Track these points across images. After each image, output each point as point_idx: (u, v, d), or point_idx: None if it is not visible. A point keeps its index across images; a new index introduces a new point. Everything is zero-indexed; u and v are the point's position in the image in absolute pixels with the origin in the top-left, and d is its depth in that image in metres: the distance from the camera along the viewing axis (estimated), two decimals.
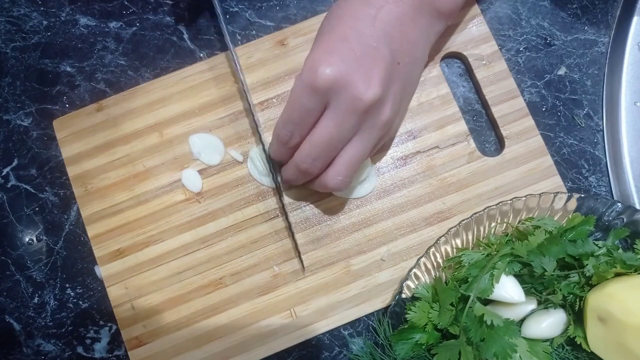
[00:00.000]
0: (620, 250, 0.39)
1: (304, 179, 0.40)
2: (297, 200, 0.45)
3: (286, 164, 0.40)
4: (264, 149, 0.44)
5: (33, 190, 0.46)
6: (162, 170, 0.45)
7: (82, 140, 0.45)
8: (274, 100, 0.46)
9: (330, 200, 0.45)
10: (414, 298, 0.40)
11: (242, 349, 0.43)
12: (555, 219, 0.41)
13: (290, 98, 0.36)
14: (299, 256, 0.43)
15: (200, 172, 0.45)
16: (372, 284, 0.43)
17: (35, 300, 0.45)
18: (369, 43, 0.35)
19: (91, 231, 0.44)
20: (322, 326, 0.43)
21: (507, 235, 0.41)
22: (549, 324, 0.39)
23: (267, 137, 0.45)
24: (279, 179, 0.43)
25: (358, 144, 0.37)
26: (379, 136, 0.38)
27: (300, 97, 0.36)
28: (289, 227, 0.43)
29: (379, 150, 0.45)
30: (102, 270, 0.44)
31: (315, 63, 0.35)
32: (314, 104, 0.35)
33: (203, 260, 0.44)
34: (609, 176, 0.45)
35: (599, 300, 0.37)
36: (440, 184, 0.44)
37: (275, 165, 0.43)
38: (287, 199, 0.45)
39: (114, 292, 0.44)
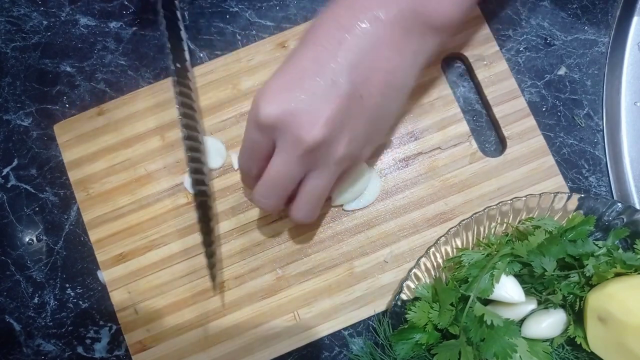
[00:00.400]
0: (620, 250, 0.39)
1: (270, 211, 0.39)
2: None
3: None
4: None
5: (33, 190, 0.46)
6: (164, 174, 0.45)
7: (84, 145, 0.45)
8: None
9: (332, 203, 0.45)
10: (414, 298, 0.40)
11: (246, 352, 0.43)
12: (555, 219, 0.41)
13: (244, 132, 0.36)
14: (212, 273, 0.42)
15: None
16: (375, 285, 0.43)
17: (35, 300, 0.45)
18: (327, 78, 0.33)
19: (93, 236, 0.44)
20: (326, 328, 0.43)
21: (507, 235, 0.41)
22: (549, 324, 0.39)
23: None
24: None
25: (315, 179, 0.36)
26: (337, 171, 0.36)
27: (248, 130, 0.35)
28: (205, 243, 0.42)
29: (378, 153, 0.45)
30: (104, 275, 0.44)
31: (261, 98, 0.33)
32: (261, 139, 0.34)
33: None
34: (609, 176, 0.45)
35: (599, 300, 0.37)
36: (442, 185, 0.44)
37: None
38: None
39: (117, 297, 0.44)
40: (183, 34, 0.43)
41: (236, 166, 0.45)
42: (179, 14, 0.43)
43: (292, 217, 0.38)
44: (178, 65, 0.41)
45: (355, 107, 0.34)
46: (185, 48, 0.44)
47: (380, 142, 0.41)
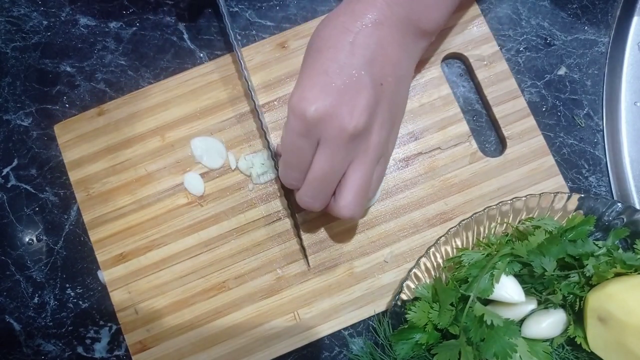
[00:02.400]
0: (620, 250, 0.39)
1: (313, 210, 0.40)
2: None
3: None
4: (269, 147, 0.43)
5: (33, 190, 0.46)
6: (164, 174, 0.45)
7: (84, 145, 0.45)
8: (275, 102, 0.46)
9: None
10: (414, 298, 0.40)
11: (246, 352, 0.43)
12: (555, 219, 0.41)
13: (284, 142, 0.37)
14: (305, 255, 0.43)
15: (202, 175, 0.45)
16: (376, 286, 0.43)
17: (35, 300, 0.45)
18: (350, 72, 0.36)
19: (94, 236, 0.44)
20: (326, 328, 0.43)
21: (507, 235, 0.41)
22: (549, 324, 0.39)
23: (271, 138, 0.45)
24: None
25: (358, 170, 0.37)
26: (375, 158, 0.38)
27: (293, 141, 0.36)
28: (296, 226, 0.43)
29: None
30: (105, 275, 0.44)
31: (298, 102, 0.35)
32: (308, 144, 0.36)
33: (206, 264, 0.44)
34: (609, 176, 0.45)
35: (599, 300, 0.37)
36: (442, 185, 0.44)
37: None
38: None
39: (117, 297, 0.44)
40: (228, 24, 0.44)
41: (234, 166, 0.45)
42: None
43: (339, 214, 0.38)
44: (236, 41, 0.44)
45: (379, 95, 0.37)
46: (233, 41, 0.44)
47: (397, 133, 0.43)
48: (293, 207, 0.43)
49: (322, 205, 0.39)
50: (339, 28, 0.37)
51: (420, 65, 0.45)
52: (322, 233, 0.44)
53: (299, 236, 0.43)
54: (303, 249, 0.43)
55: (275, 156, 0.43)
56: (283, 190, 0.44)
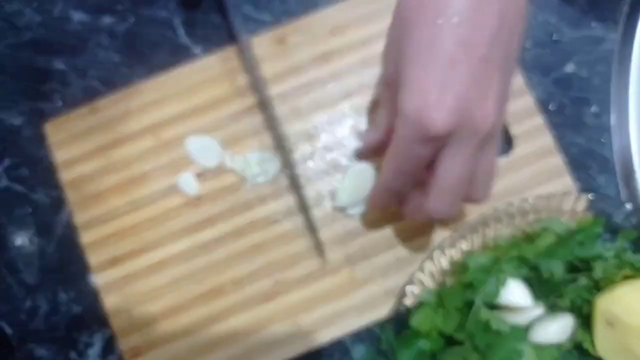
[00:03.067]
0: (629, 253, 0.38)
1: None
2: (300, 204, 0.44)
3: (408, 207, 0.37)
4: (282, 144, 0.42)
5: (25, 191, 0.45)
6: (159, 174, 0.44)
7: (76, 144, 0.44)
8: (273, 99, 0.45)
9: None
10: (418, 303, 0.39)
11: (244, 359, 0.42)
12: (563, 220, 0.40)
13: (399, 147, 0.32)
14: (322, 249, 0.42)
15: (197, 175, 0.44)
16: (378, 290, 0.43)
17: (28, 303, 0.44)
18: (478, 53, 0.29)
19: (86, 238, 0.44)
20: (327, 334, 0.42)
21: (514, 238, 0.40)
22: (557, 328, 0.38)
23: (266, 138, 0.45)
24: (296, 172, 0.42)
25: (486, 161, 0.33)
26: (500, 137, 0.34)
27: (412, 149, 0.31)
28: (309, 223, 0.42)
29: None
30: (98, 278, 0.43)
31: (422, 108, 0.29)
32: (429, 151, 0.31)
33: (202, 268, 0.43)
34: (617, 176, 0.45)
35: (606, 303, 0.37)
36: None
37: (289, 158, 0.41)
38: (288, 204, 0.44)
39: (110, 301, 0.43)
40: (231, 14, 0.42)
41: (229, 165, 0.44)
42: None
43: (437, 213, 0.34)
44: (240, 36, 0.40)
45: (507, 73, 0.31)
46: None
47: None
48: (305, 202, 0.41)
49: (458, 211, 0.35)
50: None
51: None
52: (322, 236, 0.43)
53: (313, 232, 0.41)
54: (320, 243, 0.41)
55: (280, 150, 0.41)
56: (294, 183, 0.42)
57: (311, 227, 0.42)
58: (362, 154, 0.42)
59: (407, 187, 0.35)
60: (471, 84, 0.29)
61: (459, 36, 0.29)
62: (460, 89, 0.29)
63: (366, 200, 0.42)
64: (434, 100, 0.29)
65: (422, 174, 0.34)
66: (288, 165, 0.43)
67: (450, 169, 0.31)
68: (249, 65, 0.42)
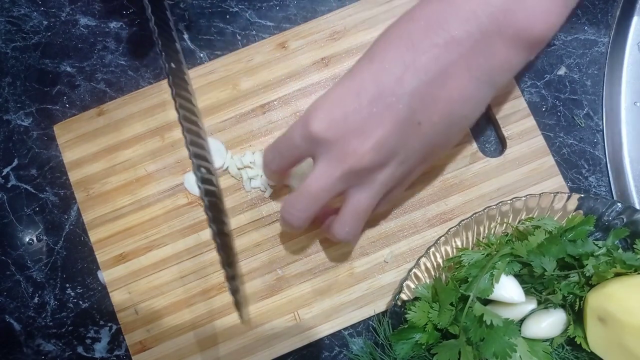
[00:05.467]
0: (620, 250, 0.39)
1: (290, 229, 0.38)
2: None
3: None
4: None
5: (33, 190, 0.46)
6: (164, 174, 0.45)
7: (84, 145, 0.45)
8: (275, 102, 0.46)
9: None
10: (414, 298, 0.39)
11: (246, 353, 0.43)
12: (555, 219, 0.41)
13: (288, 129, 0.35)
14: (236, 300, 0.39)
15: None
16: (376, 286, 0.43)
17: (36, 300, 0.45)
18: (385, 101, 0.31)
19: (93, 236, 0.44)
20: (326, 328, 0.43)
21: (507, 235, 0.40)
22: (549, 323, 0.39)
23: (269, 140, 0.45)
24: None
25: (360, 195, 0.35)
26: (382, 191, 0.35)
27: (292, 133, 0.34)
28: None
29: None
30: (105, 275, 0.44)
31: (315, 111, 0.33)
32: (302, 145, 0.34)
33: (206, 264, 0.44)
34: (608, 176, 0.45)
35: (598, 300, 0.37)
36: (442, 185, 0.44)
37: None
38: None
39: (117, 297, 0.43)
40: (174, 35, 0.41)
41: (233, 172, 0.45)
42: (169, 14, 0.41)
43: (334, 235, 0.37)
44: (173, 65, 0.39)
45: (412, 133, 0.33)
46: (179, 49, 0.42)
47: (430, 163, 0.39)
48: None
49: (306, 221, 0.36)
50: (405, 40, 0.31)
51: None
52: (322, 234, 0.44)
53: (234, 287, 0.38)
54: (236, 300, 0.37)
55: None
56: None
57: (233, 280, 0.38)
58: None
59: (273, 165, 0.37)
60: (364, 118, 0.32)
61: (377, 80, 0.32)
62: (352, 114, 0.32)
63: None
64: (326, 109, 0.33)
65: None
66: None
67: (314, 176, 0.34)
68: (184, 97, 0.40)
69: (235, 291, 0.36)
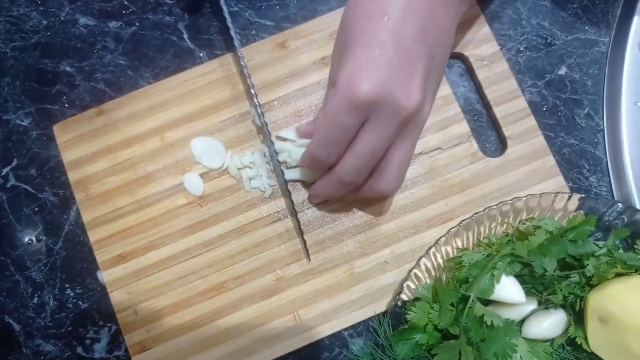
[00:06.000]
0: (621, 251, 0.39)
1: (345, 191, 0.39)
2: (300, 203, 0.45)
3: (320, 179, 0.41)
4: (274, 151, 0.42)
5: (32, 190, 0.46)
6: (164, 174, 0.45)
7: (83, 145, 0.45)
8: (275, 102, 0.46)
9: (332, 203, 0.44)
10: (414, 298, 0.40)
11: (246, 353, 0.43)
12: (555, 219, 0.41)
13: (327, 117, 0.35)
14: (306, 249, 0.43)
15: (201, 175, 0.45)
16: (376, 286, 0.43)
17: (35, 300, 0.44)
18: (404, 44, 0.34)
19: (93, 236, 0.44)
20: (326, 329, 0.43)
21: (507, 236, 0.41)
22: (550, 324, 0.39)
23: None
24: (286, 177, 0.43)
25: (405, 147, 0.36)
26: (420, 132, 0.38)
27: (339, 116, 0.34)
28: (298, 227, 0.43)
29: None
30: (104, 276, 0.44)
31: (352, 79, 0.33)
32: (355, 121, 0.34)
33: (206, 264, 0.44)
34: (609, 176, 0.45)
35: (599, 300, 0.37)
36: (443, 185, 0.44)
37: (278, 167, 0.43)
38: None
39: (117, 297, 0.43)
40: (229, 22, 0.43)
41: (232, 172, 0.45)
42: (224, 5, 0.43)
43: (381, 191, 0.38)
44: (235, 44, 0.42)
45: (431, 68, 0.35)
46: (234, 36, 0.43)
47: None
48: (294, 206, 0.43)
49: (362, 179, 0.38)
50: None
51: None
52: (322, 234, 0.44)
53: (300, 230, 0.42)
54: (304, 241, 0.43)
55: (275, 154, 0.42)
56: (283, 189, 0.44)
57: (299, 230, 0.43)
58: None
59: (332, 158, 0.37)
60: (396, 66, 0.33)
61: (387, 30, 0.34)
62: (386, 68, 0.33)
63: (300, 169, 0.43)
64: (363, 74, 0.33)
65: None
66: (277, 171, 0.44)
67: (366, 138, 0.35)
68: (243, 75, 0.43)
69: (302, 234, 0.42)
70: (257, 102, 0.42)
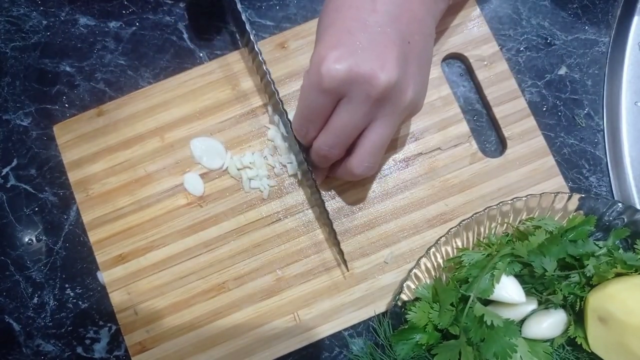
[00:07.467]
0: (621, 251, 0.39)
1: (326, 163, 0.40)
2: (300, 203, 0.45)
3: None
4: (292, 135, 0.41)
5: (32, 190, 0.46)
6: (164, 175, 0.45)
7: (83, 146, 0.45)
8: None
9: (332, 203, 0.45)
10: (414, 298, 0.40)
11: (246, 353, 0.43)
12: (555, 219, 0.41)
13: (301, 96, 0.36)
14: (344, 259, 0.43)
15: (201, 176, 0.45)
16: (376, 286, 0.43)
17: (35, 300, 0.45)
18: (375, 30, 0.34)
19: (93, 237, 0.44)
20: (326, 329, 0.43)
21: (507, 236, 0.41)
22: (550, 324, 0.39)
23: (269, 140, 0.45)
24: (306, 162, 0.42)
25: (379, 129, 0.36)
26: (401, 118, 0.37)
27: (309, 96, 0.35)
28: (327, 216, 0.42)
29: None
30: (104, 276, 0.44)
31: (321, 60, 0.34)
32: (325, 101, 0.35)
33: (206, 265, 0.44)
34: (609, 176, 0.45)
35: (599, 300, 0.37)
36: (442, 185, 0.44)
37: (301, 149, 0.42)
38: (289, 203, 0.45)
39: (117, 298, 0.44)
40: (245, 17, 0.42)
41: (232, 173, 0.45)
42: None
43: (352, 171, 0.38)
44: (252, 37, 0.42)
45: (407, 52, 0.35)
46: (249, 30, 0.42)
47: (425, 93, 0.40)
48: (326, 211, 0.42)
49: (338, 156, 0.38)
50: None
51: None
52: (321, 234, 0.44)
53: (332, 227, 0.41)
54: (341, 252, 0.42)
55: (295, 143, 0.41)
56: (303, 168, 0.42)
57: (328, 220, 0.42)
58: None
59: (310, 134, 0.38)
60: (365, 47, 0.34)
61: (355, 18, 0.35)
62: (354, 48, 0.34)
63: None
64: (330, 55, 0.34)
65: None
66: (300, 163, 0.43)
67: (339, 115, 0.36)
68: (260, 68, 0.43)
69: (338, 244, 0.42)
70: (279, 98, 0.41)
